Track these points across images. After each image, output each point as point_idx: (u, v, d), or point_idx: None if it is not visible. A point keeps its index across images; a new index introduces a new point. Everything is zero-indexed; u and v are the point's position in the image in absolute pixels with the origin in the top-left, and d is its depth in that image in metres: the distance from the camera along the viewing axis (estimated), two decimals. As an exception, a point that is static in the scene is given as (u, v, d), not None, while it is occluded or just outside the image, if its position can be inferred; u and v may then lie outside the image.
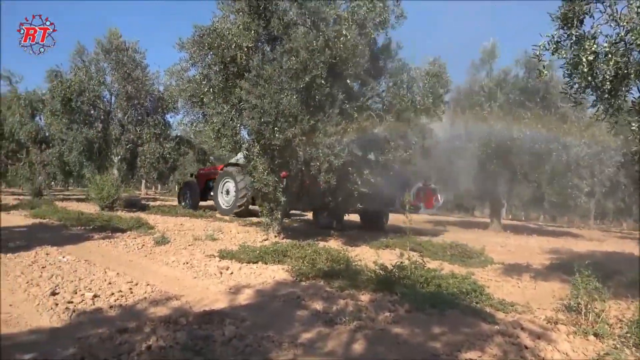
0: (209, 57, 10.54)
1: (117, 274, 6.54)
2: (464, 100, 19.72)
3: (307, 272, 6.76)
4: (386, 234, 13.14)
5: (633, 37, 4.72)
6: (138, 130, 20.31)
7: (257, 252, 8.21)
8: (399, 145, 10.50)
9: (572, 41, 5.09)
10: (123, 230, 10.73)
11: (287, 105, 9.00)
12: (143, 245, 9.18)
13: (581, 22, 5.15)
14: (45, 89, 21.34)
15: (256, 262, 7.78)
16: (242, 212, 15.41)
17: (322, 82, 9.17)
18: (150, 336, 3.98)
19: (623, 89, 5.08)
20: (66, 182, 30.73)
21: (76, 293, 5.44)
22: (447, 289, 5.88)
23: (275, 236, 10.77)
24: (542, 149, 17.27)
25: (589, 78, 4.90)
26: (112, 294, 5.51)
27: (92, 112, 20.19)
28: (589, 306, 4.93)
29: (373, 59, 10.70)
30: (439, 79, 10.54)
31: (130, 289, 5.80)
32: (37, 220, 12.44)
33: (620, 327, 4.87)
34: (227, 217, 15.01)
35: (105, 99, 20.66)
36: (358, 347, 4.05)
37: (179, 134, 23.32)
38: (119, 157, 20.40)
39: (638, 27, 4.64)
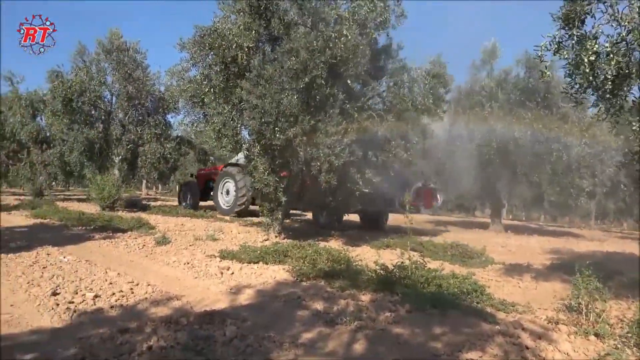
0: (210, 57, 10.55)
1: (118, 274, 6.55)
2: (464, 100, 19.72)
3: (307, 272, 6.76)
4: (386, 234, 13.15)
5: (634, 37, 4.72)
6: (139, 130, 20.35)
7: (258, 252, 8.21)
8: (399, 145, 10.50)
9: (574, 41, 5.08)
10: (124, 231, 10.74)
11: (288, 105, 9.00)
12: (144, 245, 9.18)
13: (582, 22, 5.14)
14: (46, 89, 21.42)
15: (257, 262, 7.78)
16: (242, 212, 15.44)
17: (322, 82, 9.18)
18: (151, 336, 3.99)
19: (625, 89, 5.08)
20: (67, 182, 30.71)
21: (77, 293, 5.45)
22: (448, 289, 5.87)
23: (276, 236, 10.77)
24: (543, 149, 17.25)
25: (590, 78, 4.90)
26: (113, 294, 5.51)
27: (93, 112, 20.24)
28: (590, 306, 4.93)
29: (374, 59, 10.70)
30: (439, 78, 10.54)
31: (131, 289, 5.80)
32: (38, 221, 12.45)
33: (621, 327, 4.87)
34: (227, 217, 15.02)
35: (106, 99, 20.73)
36: (359, 347, 4.05)
37: (179, 134, 23.35)
38: (120, 157, 20.43)
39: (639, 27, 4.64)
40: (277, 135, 9.24)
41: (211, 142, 11.39)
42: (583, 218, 40.13)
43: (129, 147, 20.40)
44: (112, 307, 5.06)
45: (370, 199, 10.96)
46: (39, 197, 21.14)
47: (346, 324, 4.53)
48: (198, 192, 18.15)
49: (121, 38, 20.15)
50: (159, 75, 20.90)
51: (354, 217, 15.93)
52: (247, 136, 10.93)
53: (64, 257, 7.46)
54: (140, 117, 20.78)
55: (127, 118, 20.54)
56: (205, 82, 10.50)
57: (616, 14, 4.78)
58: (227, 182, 16.17)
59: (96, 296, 5.36)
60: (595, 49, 4.83)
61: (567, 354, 4.15)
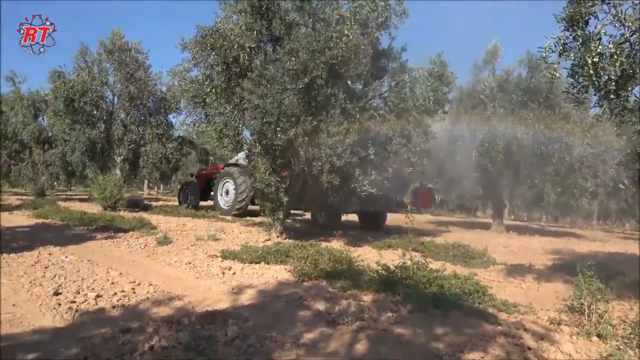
0: (212, 57, 10.56)
1: (120, 274, 6.55)
2: (466, 100, 19.69)
3: (309, 273, 6.76)
4: (388, 234, 13.13)
5: (638, 38, 4.71)
6: (140, 130, 20.39)
7: (260, 252, 8.21)
8: (400, 145, 10.49)
9: (578, 43, 5.07)
10: (125, 230, 10.75)
11: (289, 105, 9.00)
12: (146, 245, 9.19)
13: (586, 23, 5.13)
14: (48, 90, 21.46)
15: (258, 263, 7.77)
16: (241, 212, 15.48)
17: (323, 82, 9.18)
18: (153, 336, 3.99)
19: (629, 89, 5.07)
20: (69, 182, 30.78)
21: (79, 293, 5.45)
22: (450, 290, 5.87)
23: (278, 236, 10.78)
24: (545, 149, 17.22)
25: (594, 79, 4.89)
26: (115, 294, 5.51)
27: (94, 112, 20.30)
28: (592, 307, 4.92)
29: (375, 59, 10.70)
30: (441, 78, 10.52)
31: (133, 289, 5.80)
32: (40, 220, 12.46)
33: (623, 328, 4.87)
34: (229, 217, 15.03)
35: (107, 100, 20.78)
36: (360, 347, 4.05)
37: (181, 135, 23.38)
38: (122, 157, 20.48)
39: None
40: (279, 135, 9.24)
41: (213, 142, 11.40)
42: (585, 218, 40.10)
43: (130, 147, 20.44)
44: (114, 307, 5.06)
45: (370, 199, 10.96)
46: (40, 197, 21.15)
47: (348, 324, 4.52)
48: (198, 192, 18.18)
49: (123, 38, 20.21)
50: (161, 75, 20.98)
51: (352, 217, 15.94)
52: (249, 136, 10.95)
53: (66, 257, 7.47)
54: (142, 117, 20.84)
55: (128, 118, 20.59)
56: (207, 83, 10.51)
57: (619, 15, 4.77)
58: (226, 182, 16.22)
59: (98, 296, 5.37)
60: (598, 50, 4.82)
61: (569, 354, 4.14)
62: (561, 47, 5.19)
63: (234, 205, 15.56)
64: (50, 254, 7.65)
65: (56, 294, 5.35)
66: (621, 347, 4.27)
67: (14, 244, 8.43)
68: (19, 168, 23.58)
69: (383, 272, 6.19)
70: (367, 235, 12.54)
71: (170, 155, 20.92)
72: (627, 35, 4.79)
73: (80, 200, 21.30)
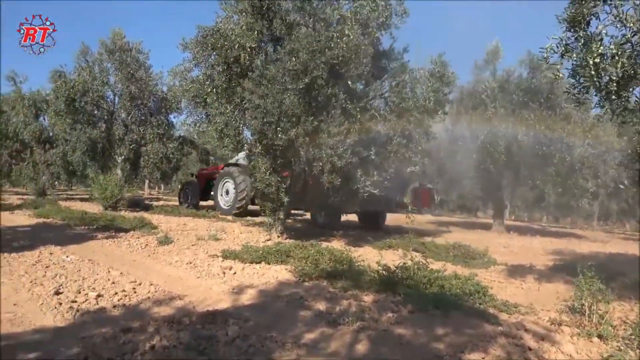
0: (212, 57, 10.56)
1: (121, 273, 6.56)
2: (467, 100, 19.69)
3: (310, 273, 6.76)
4: (388, 234, 13.13)
5: (640, 39, 4.72)
6: (141, 130, 20.41)
7: (260, 252, 8.21)
8: (401, 145, 10.49)
9: (580, 44, 5.07)
10: (126, 230, 10.75)
11: (290, 105, 9.00)
12: (146, 245, 9.19)
13: (588, 23, 5.13)
14: (49, 89, 21.47)
15: (259, 262, 7.78)
16: (241, 212, 15.51)
17: (323, 82, 9.18)
18: (154, 336, 3.99)
19: (630, 90, 5.06)
20: (70, 182, 30.87)
21: (80, 292, 5.45)
22: (451, 290, 5.87)
23: (278, 236, 10.78)
24: (546, 150, 17.21)
25: (595, 79, 4.89)
26: (116, 293, 5.52)
27: (95, 112, 20.33)
28: (593, 308, 4.93)
29: (376, 59, 10.70)
30: (442, 78, 10.51)
31: (134, 288, 5.81)
32: (41, 220, 12.47)
33: (624, 329, 4.86)
34: (230, 217, 15.04)
35: (108, 99, 20.80)
36: (361, 347, 4.05)
37: (182, 134, 23.39)
38: (123, 157, 20.48)
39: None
40: (279, 135, 9.24)
41: (213, 142, 11.40)
42: (585, 219, 40.05)
43: (131, 147, 20.45)
44: (114, 306, 5.07)
45: (370, 199, 10.98)
46: (41, 197, 21.17)
47: (348, 325, 4.53)
48: (199, 192, 18.22)
49: (124, 38, 20.22)
50: (162, 75, 20.99)
51: (351, 217, 15.96)
52: (250, 136, 10.96)
53: (67, 257, 7.47)
54: (142, 117, 20.85)
55: (129, 118, 20.61)
56: (207, 83, 10.51)
57: (621, 15, 4.77)
58: (226, 182, 16.27)
59: (99, 295, 5.37)
60: (600, 50, 4.82)
61: (570, 355, 4.14)
62: (563, 48, 5.19)
63: (234, 205, 15.60)
64: (51, 254, 7.65)
65: (57, 293, 5.35)
66: (622, 347, 4.27)
67: (15, 243, 8.44)
68: (20, 168, 23.61)
69: (384, 272, 6.20)
70: (368, 235, 12.54)
71: (171, 155, 20.94)
72: (629, 35, 4.79)
73: (81, 199, 21.31)
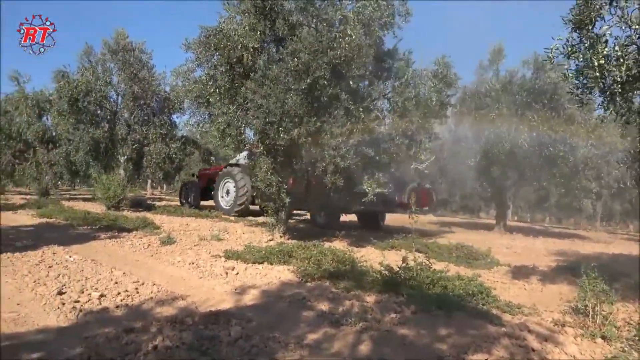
0: (215, 57, 10.55)
1: (124, 273, 6.57)
2: (470, 101, 19.64)
3: (312, 273, 6.76)
4: (390, 234, 13.12)
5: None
6: (144, 130, 20.42)
7: (263, 252, 8.21)
8: (404, 145, 10.48)
9: (586, 45, 5.05)
10: (129, 230, 10.77)
11: (293, 105, 9.00)
12: (149, 245, 9.21)
13: (593, 25, 5.12)
14: (52, 89, 21.47)
15: (262, 263, 7.78)
16: (242, 212, 15.56)
17: (326, 82, 9.17)
18: (157, 336, 4.00)
19: (635, 91, 5.05)
20: (73, 182, 30.87)
21: (83, 292, 5.47)
22: (454, 291, 5.85)
23: (281, 237, 10.78)
24: (549, 151, 17.16)
25: (600, 81, 4.87)
26: (119, 293, 5.53)
27: (98, 112, 20.34)
28: (597, 309, 4.91)
29: (379, 59, 10.69)
30: (445, 79, 10.49)
31: (137, 288, 5.82)
32: (44, 220, 12.51)
33: (628, 330, 4.85)
34: (232, 218, 15.09)
35: (111, 99, 20.81)
36: (364, 348, 4.05)
37: (185, 135, 23.39)
38: (125, 157, 20.50)
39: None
40: (281, 135, 9.24)
41: (215, 141, 11.40)
42: (588, 220, 39.97)
43: (134, 147, 20.47)
44: (117, 306, 5.08)
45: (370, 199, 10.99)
46: (44, 197, 21.23)
47: (351, 325, 4.52)
48: (199, 192, 18.28)
49: (127, 38, 20.23)
50: (165, 75, 21.00)
51: (350, 217, 15.97)
52: (252, 136, 10.96)
53: (70, 257, 7.49)
54: (145, 117, 20.86)
55: (132, 118, 20.62)
56: (210, 83, 10.50)
57: (626, 17, 4.75)
58: (227, 182, 16.34)
59: (102, 295, 5.38)
60: (605, 52, 4.80)
61: (574, 356, 4.13)
62: (569, 49, 5.18)
63: (235, 205, 15.67)
64: (54, 254, 7.68)
65: (60, 293, 5.37)
66: (626, 349, 4.25)
67: (18, 243, 8.47)
68: (23, 167, 23.64)
69: (386, 272, 6.19)
70: (370, 235, 12.52)
71: (173, 155, 20.96)
72: (634, 37, 4.78)
73: (84, 199, 21.37)
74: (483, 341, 4.25)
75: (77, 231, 10.74)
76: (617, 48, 4.78)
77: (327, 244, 9.74)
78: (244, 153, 12.92)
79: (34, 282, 5.83)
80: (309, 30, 9.40)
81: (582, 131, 16.57)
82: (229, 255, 8.20)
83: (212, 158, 27.93)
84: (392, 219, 16.89)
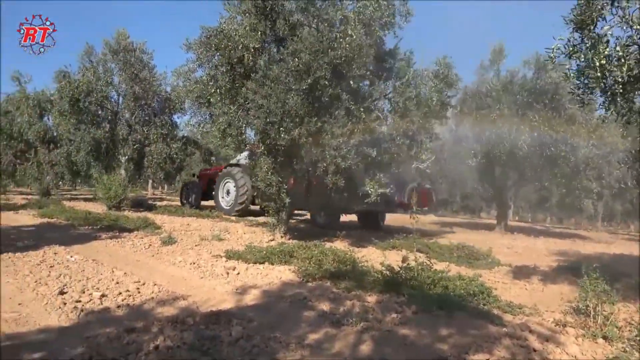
0: (216, 58, 10.56)
1: (125, 273, 6.57)
2: (470, 101, 19.63)
3: (313, 273, 6.76)
4: (391, 234, 13.11)
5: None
6: (145, 130, 20.44)
7: (264, 252, 8.21)
8: (405, 145, 10.48)
9: (587, 45, 5.05)
10: (130, 230, 10.78)
11: (293, 105, 9.00)
12: (150, 245, 9.22)
13: (595, 25, 5.12)
14: (53, 90, 21.50)
15: (263, 263, 7.78)
16: (242, 212, 15.59)
17: (326, 82, 9.18)
18: (158, 336, 4.00)
19: (636, 92, 5.05)
20: (74, 182, 30.91)
21: (84, 292, 5.47)
22: (455, 291, 5.85)
23: (282, 237, 10.78)
24: (550, 151, 17.15)
25: (601, 81, 4.87)
26: (120, 293, 5.53)
27: (99, 112, 20.34)
28: (598, 309, 4.91)
29: (380, 59, 10.69)
30: (446, 79, 10.48)
31: (138, 288, 5.82)
32: (45, 220, 12.52)
33: (629, 330, 4.85)
34: (233, 218, 15.11)
35: (112, 100, 20.81)
36: (365, 348, 4.05)
37: (185, 135, 23.40)
38: (126, 157, 20.51)
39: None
40: (282, 135, 9.24)
41: (215, 141, 11.41)
42: (589, 220, 39.95)
43: (135, 147, 20.48)
44: (118, 306, 5.09)
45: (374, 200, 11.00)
46: (46, 197, 21.27)
47: (352, 325, 4.52)
48: (200, 192, 18.32)
49: (128, 38, 20.24)
50: (166, 75, 21.01)
51: (350, 217, 15.97)
52: (253, 136, 10.97)
53: (71, 257, 7.50)
54: (146, 118, 20.88)
55: (133, 118, 20.63)
56: (211, 83, 10.50)
57: (627, 17, 4.75)
58: (227, 182, 16.37)
59: (103, 295, 5.39)
60: (606, 52, 4.80)
61: (575, 356, 4.13)
62: (571, 49, 5.17)
63: (235, 205, 15.71)
64: (55, 254, 7.69)
65: (61, 293, 5.37)
66: (627, 349, 4.25)
67: (20, 243, 8.48)
68: (24, 168, 23.67)
69: (387, 272, 6.19)
70: (371, 235, 12.52)
71: (174, 156, 20.97)
72: (635, 37, 4.77)
73: (85, 199, 21.40)
74: (484, 341, 4.25)
75: (78, 231, 10.75)
76: (618, 48, 4.78)
77: (328, 244, 9.74)
78: (245, 153, 12.94)
79: (36, 282, 5.84)
80: (309, 30, 9.41)
81: (583, 131, 16.55)
82: (230, 255, 8.20)
83: (213, 158, 27.94)
84: (392, 218, 16.90)
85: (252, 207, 16.15)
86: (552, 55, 5.27)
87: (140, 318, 4.63)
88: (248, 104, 9.79)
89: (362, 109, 9.65)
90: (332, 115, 9.44)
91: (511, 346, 4.18)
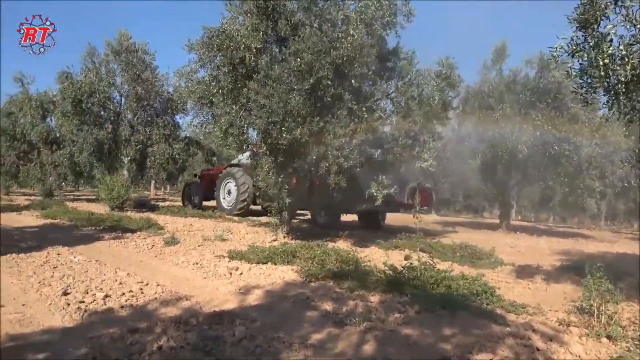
0: (218, 58, 10.56)
1: (128, 274, 6.58)
2: (473, 100, 19.61)
3: (316, 273, 6.75)
4: (393, 234, 13.11)
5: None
6: (148, 131, 20.50)
7: (266, 252, 8.21)
8: (407, 145, 10.48)
9: (591, 44, 5.04)
10: (133, 231, 10.80)
11: (296, 105, 9.00)
12: (153, 245, 9.23)
13: (598, 24, 5.11)
14: (56, 91, 21.58)
15: (265, 263, 7.78)
16: (243, 212, 15.63)
17: (328, 82, 9.18)
18: (161, 336, 4.00)
19: (639, 91, 5.03)
20: (77, 183, 30.99)
21: (87, 293, 5.48)
22: (458, 290, 5.85)
23: (284, 237, 10.79)
24: (553, 150, 17.11)
25: (604, 80, 4.86)
26: (123, 294, 5.54)
27: (102, 113, 20.43)
28: (601, 308, 4.89)
29: (382, 59, 10.68)
30: (448, 79, 10.47)
31: (141, 289, 5.83)
32: (48, 221, 12.56)
33: (633, 330, 4.83)
34: (235, 218, 15.12)
35: (115, 100, 20.89)
36: (368, 348, 4.05)
37: (188, 135, 23.45)
38: (129, 157, 20.57)
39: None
40: (284, 135, 9.25)
41: (217, 141, 11.42)
42: (593, 219, 39.84)
43: (137, 147, 20.54)
44: (122, 307, 5.09)
45: (371, 198, 11.00)
46: (49, 198, 21.34)
47: (355, 325, 4.52)
48: (202, 192, 18.36)
49: (130, 39, 20.30)
50: (168, 76, 21.06)
51: (350, 217, 15.97)
52: (255, 136, 10.98)
53: (74, 257, 7.52)
54: (149, 118, 20.94)
55: (136, 119, 20.69)
56: (213, 83, 10.51)
57: (631, 16, 4.73)
58: (229, 182, 16.41)
59: (106, 296, 5.40)
60: (609, 51, 4.79)
61: (579, 356, 4.12)
62: (574, 48, 5.16)
63: (236, 204, 15.76)
64: (58, 254, 7.71)
65: (65, 294, 5.38)
66: (631, 348, 4.24)
67: (23, 244, 8.50)
68: (27, 168, 23.74)
69: (390, 272, 6.18)
70: (374, 235, 12.52)
71: (177, 156, 21.04)
72: (638, 36, 4.76)
73: (88, 200, 21.45)
74: (487, 341, 4.24)
75: (81, 232, 10.77)
76: (621, 47, 4.77)
77: (330, 244, 9.73)
78: (246, 153, 12.96)
79: (39, 282, 5.85)
80: (311, 30, 9.41)
81: (586, 130, 16.51)
82: (233, 255, 8.21)
83: (215, 158, 27.99)
84: (392, 218, 16.89)
85: (254, 207, 16.17)
86: (555, 54, 5.26)
87: (144, 318, 4.63)
88: (250, 104, 9.79)
89: (364, 109, 9.65)
90: (335, 115, 9.44)
91: (515, 346, 4.18)
